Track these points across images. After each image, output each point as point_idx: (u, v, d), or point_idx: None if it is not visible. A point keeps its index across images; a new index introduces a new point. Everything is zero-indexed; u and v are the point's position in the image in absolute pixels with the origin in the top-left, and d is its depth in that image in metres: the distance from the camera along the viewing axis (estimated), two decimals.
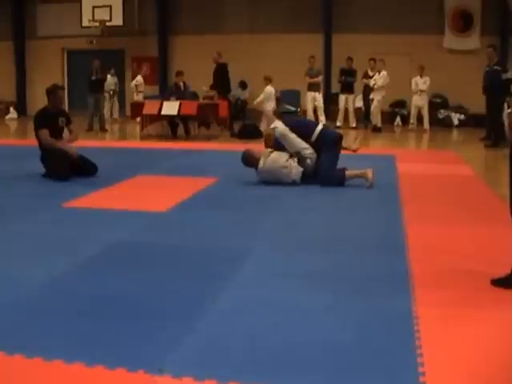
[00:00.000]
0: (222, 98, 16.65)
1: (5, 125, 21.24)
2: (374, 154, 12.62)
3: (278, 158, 8.49)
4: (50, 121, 8.94)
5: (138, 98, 20.24)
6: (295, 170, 8.50)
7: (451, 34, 21.47)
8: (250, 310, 3.84)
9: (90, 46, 23.62)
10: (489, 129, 14.55)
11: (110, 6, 22.99)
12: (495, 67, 14.29)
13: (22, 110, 24.49)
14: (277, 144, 8.67)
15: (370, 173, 8.48)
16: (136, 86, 21.41)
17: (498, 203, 7.15)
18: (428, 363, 3.11)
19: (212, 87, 17.22)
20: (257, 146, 9.55)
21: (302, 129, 8.80)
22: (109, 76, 19.87)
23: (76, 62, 24.46)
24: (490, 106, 14.41)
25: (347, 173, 8.54)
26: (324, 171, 8.50)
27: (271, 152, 8.57)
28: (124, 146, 14.20)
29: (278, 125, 8.72)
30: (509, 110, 12.17)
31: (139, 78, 21.52)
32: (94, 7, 23.06)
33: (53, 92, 9.09)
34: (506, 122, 13.41)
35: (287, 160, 8.48)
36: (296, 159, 8.53)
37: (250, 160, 8.64)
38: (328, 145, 8.67)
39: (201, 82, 18.93)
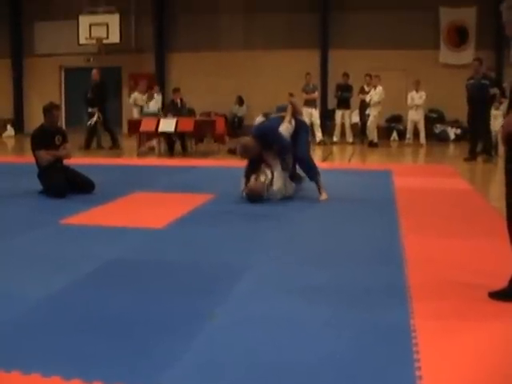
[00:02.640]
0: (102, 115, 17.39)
1: (2, 142, 21.27)
2: (370, 169, 12.65)
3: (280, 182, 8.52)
4: (46, 139, 8.96)
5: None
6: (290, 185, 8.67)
7: (446, 48, 21.63)
8: (248, 325, 3.83)
9: (87, 64, 23.67)
10: (473, 143, 14.53)
11: (107, 24, 23.10)
12: (482, 81, 14.32)
13: (19, 127, 24.53)
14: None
15: (324, 195, 8.53)
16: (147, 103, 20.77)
17: (494, 216, 7.16)
18: (426, 376, 3.10)
19: (90, 105, 17.92)
20: None
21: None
22: (155, 94, 19.32)
23: (73, 80, 24.52)
24: (475, 118, 14.43)
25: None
26: (303, 154, 8.73)
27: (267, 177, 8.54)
28: (121, 162, 14.22)
29: (283, 127, 8.65)
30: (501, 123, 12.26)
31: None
32: (90, 25, 23.18)
33: (48, 110, 9.10)
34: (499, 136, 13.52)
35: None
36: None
37: (258, 195, 8.37)
38: (303, 132, 8.89)
39: (198, 99, 19.01)
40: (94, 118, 17.48)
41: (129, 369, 3.21)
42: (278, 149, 8.47)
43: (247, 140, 8.58)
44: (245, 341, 3.58)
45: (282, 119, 8.66)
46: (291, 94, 14.15)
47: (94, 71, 18.26)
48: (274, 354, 3.41)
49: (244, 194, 8.47)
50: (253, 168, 8.59)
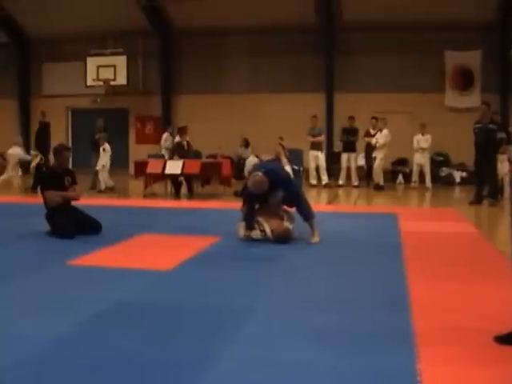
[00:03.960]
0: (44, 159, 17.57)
1: (9, 181, 21.31)
2: (376, 213, 12.66)
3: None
4: (55, 180, 9.03)
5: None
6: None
7: (452, 92, 21.73)
8: (254, 369, 3.84)
9: (94, 105, 23.87)
10: (479, 187, 14.47)
11: (115, 66, 23.35)
12: (490, 126, 14.29)
13: (26, 167, 24.60)
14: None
15: (316, 238, 8.58)
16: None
17: (500, 261, 7.17)
18: None
19: (36, 147, 18.27)
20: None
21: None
22: (168, 134, 19.76)
23: (80, 121, 24.68)
24: (482, 162, 14.36)
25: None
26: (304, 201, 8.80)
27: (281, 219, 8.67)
28: (128, 204, 14.27)
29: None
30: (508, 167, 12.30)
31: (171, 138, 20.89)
32: (98, 66, 23.43)
33: (59, 152, 9.22)
34: (505, 179, 13.62)
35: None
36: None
37: (288, 236, 8.59)
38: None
39: (204, 141, 19.06)
40: (37, 160, 17.70)
41: None
42: (291, 193, 8.64)
43: (260, 175, 8.50)
44: None
45: (277, 161, 8.93)
46: (281, 138, 14.50)
47: (40, 112, 18.87)
48: None
49: (247, 236, 8.66)
50: (252, 212, 8.71)
